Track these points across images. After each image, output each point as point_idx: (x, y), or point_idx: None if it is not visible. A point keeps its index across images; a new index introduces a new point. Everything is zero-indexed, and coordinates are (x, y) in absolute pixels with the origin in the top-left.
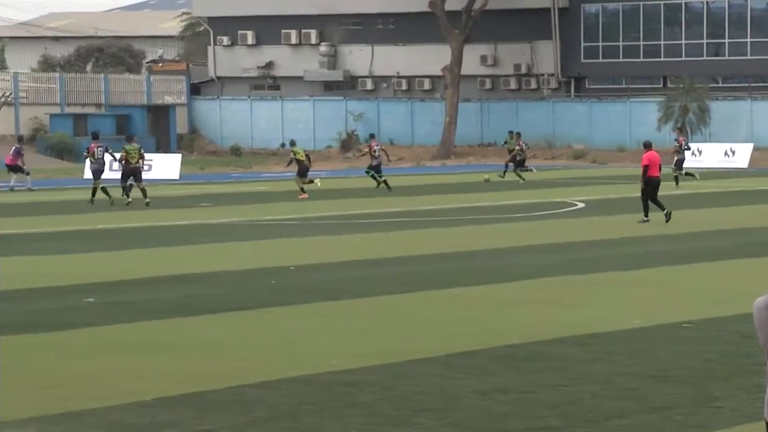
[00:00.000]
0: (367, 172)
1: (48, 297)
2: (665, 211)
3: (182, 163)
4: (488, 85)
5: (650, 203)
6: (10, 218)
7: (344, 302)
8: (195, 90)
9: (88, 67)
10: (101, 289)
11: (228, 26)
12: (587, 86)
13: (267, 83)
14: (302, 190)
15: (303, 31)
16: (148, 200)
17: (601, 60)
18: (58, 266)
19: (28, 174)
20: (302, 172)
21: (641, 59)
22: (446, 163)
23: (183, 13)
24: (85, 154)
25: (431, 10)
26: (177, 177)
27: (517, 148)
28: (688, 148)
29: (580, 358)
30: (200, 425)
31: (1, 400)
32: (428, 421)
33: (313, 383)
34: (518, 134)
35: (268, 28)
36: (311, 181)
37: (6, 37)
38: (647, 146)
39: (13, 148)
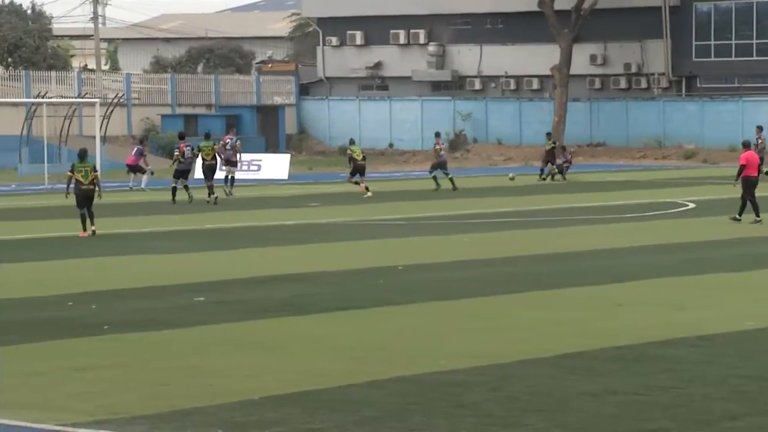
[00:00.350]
0: (430, 173)
1: (159, 296)
2: (758, 218)
3: (291, 163)
4: (597, 84)
5: (748, 202)
6: (123, 218)
7: (452, 302)
8: (304, 90)
9: (199, 68)
10: (211, 288)
11: (337, 27)
12: (698, 85)
13: (375, 83)
14: (367, 188)
15: (411, 31)
16: (209, 199)
17: (712, 59)
18: (168, 265)
19: (152, 173)
20: (354, 171)
21: (754, 57)
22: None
23: (292, 14)
24: (176, 153)
25: (540, 9)
26: (286, 177)
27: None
28: None
29: (691, 359)
30: (308, 424)
31: (113, 398)
32: (538, 422)
33: (420, 383)
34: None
35: (376, 29)
36: (357, 183)
37: (119, 39)
38: (746, 146)
39: (135, 149)
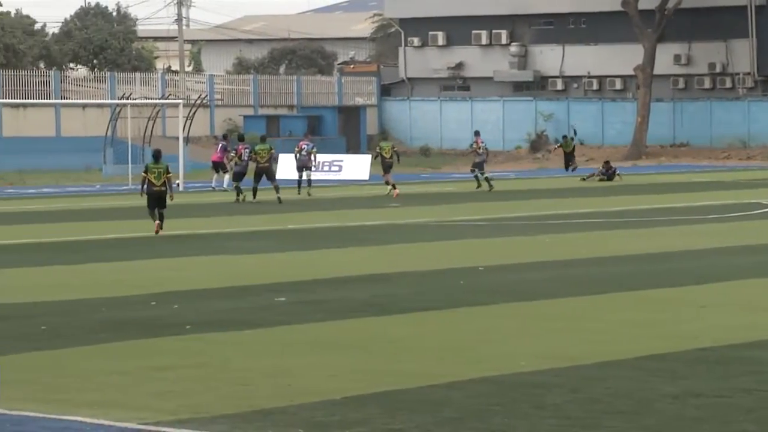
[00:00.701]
0: (473, 171)
1: (240, 296)
2: None
3: (371, 164)
4: (681, 84)
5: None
6: (206, 218)
7: (533, 303)
8: (385, 91)
9: (281, 69)
10: (292, 288)
11: (419, 27)
12: None
13: (457, 84)
14: (393, 186)
15: (494, 31)
16: (279, 196)
17: None
18: (250, 265)
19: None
20: (385, 168)
21: None
22: (637, 163)
23: (374, 15)
24: (232, 155)
25: (624, 9)
26: (366, 177)
27: (474, 147)
28: None
29: None
30: (389, 424)
31: (194, 397)
32: (619, 424)
33: (501, 384)
34: (476, 133)
35: (458, 29)
36: (387, 182)
37: (202, 41)
38: None
39: (220, 145)
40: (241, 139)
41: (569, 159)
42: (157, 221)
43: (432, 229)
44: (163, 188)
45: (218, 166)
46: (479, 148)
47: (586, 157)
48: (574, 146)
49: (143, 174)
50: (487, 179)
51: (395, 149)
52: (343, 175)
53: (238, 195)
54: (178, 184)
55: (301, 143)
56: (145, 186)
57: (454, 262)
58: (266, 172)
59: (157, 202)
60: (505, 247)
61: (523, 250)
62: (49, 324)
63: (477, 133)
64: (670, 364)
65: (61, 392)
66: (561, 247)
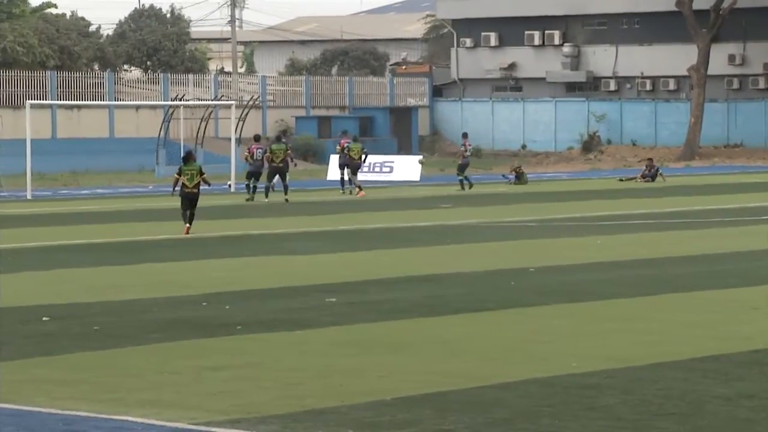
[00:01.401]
0: (458, 175)
1: (291, 296)
2: None
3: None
4: (736, 84)
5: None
6: (257, 219)
7: (585, 304)
8: (437, 92)
9: (334, 70)
10: (343, 288)
11: (471, 28)
12: None
13: (509, 84)
14: (359, 188)
15: (546, 31)
16: (287, 197)
17: None
18: (301, 266)
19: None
20: (353, 169)
21: None
22: (690, 164)
23: (427, 15)
24: (245, 154)
25: (678, 9)
26: (418, 179)
27: (462, 149)
28: None
29: None
30: (439, 425)
31: (245, 397)
32: (670, 425)
33: (552, 385)
34: (464, 135)
35: (511, 30)
36: (353, 183)
37: (255, 42)
38: None
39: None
40: (257, 139)
41: None
42: (187, 224)
43: (483, 230)
44: (195, 190)
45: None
46: (466, 150)
47: (638, 158)
48: None
49: (176, 176)
50: (466, 179)
51: (365, 150)
52: (395, 176)
53: (249, 192)
54: (209, 184)
55: (342, 141)
56: (178, 188)
57: (505, 263)
58: (280, 171)
59: (189, 203)
60: (556, 248)
61: (574, 251)
62: (102, 324)
63: (465, 135)
64: (723, 365)
65: (113, 391)
66: (612, 249)
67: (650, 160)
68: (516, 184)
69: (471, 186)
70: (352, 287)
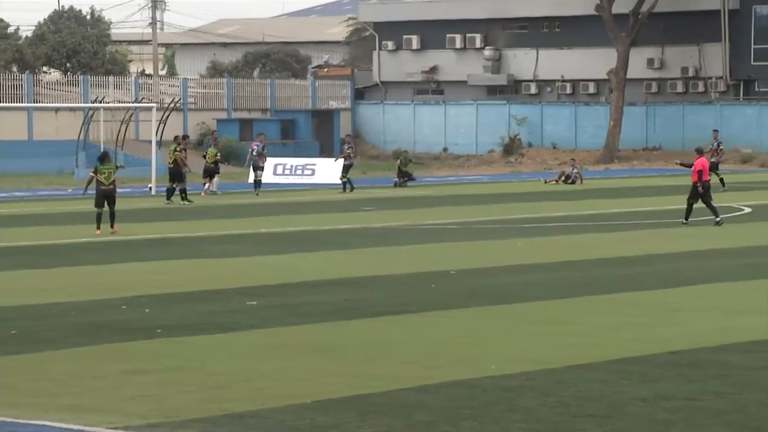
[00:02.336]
0: (341, 179)
1: (212, 299)
2: (718, 218)
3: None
4: (654, 88)
5: (698, 207)
6: (177, 222)
7: (506, 306)
8: (359, 95)
9: (255, 72)
10: (265, 292)
11: (393, 31)
12: (756, 89)
13: (431, 88)
14: (205, 190)
15: (468, 35)
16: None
17: None
18: (223, 269)
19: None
20: (205, 172)
21: None
22: (609, 167)
23: (349, 19)
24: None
25: (598, 13)
26: (339, 182)
27: (347, 150)
28: None
29: (746, 365)
30: (360, 428)
31: (165, 401)
32: (589, 427)
33: (473, 387)
34: (348, 137)
35: (432, 33)
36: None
37: (176, 44)
38: (699, 152)
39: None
40: (184, 138)
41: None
42: (98, 230)
43: (404, 232)
44: (111, 187)
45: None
46: (351, 152)
47: (558, 161)
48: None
49: (92, 174)
50: (348, 182)
51: (218, 156)
52: (316, 179)
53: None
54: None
55: (253, 144)
56: (92, 190)
57: (427, 265)
58: (176, 173)
59: (105, 200)
60: (477, 250)
61: (495, 253)
62: (21, 328)
63: (349, 137)
64: (642, 367)
65: (32, 396)
66: (534, 251)
67: (573, 160)
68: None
69: (352, 189)
70: (273, 290)
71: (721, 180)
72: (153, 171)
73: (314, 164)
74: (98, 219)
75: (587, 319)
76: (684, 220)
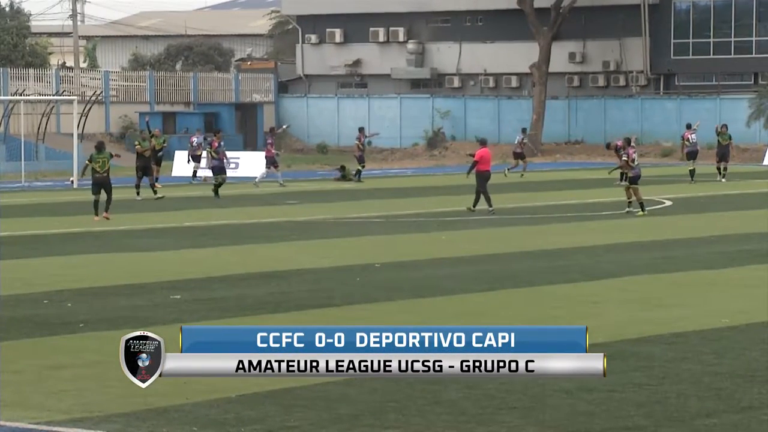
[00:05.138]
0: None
1: (136, 293)
2: (491, 208)
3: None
4: (576, 82)
5: (482, 195)
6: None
7: (429, 299)
8: (283, 88)
9: (178, 65)
10: (188, 286)
11: (316, 24)
12: (677, 83)
13: (354, 81)
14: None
15: (391, 28)
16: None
17: (691, 57)
18: (146, 263)
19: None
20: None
21: (732, 56)
22: (532, 160)
23: (272, 12)
24: (208, 149)
25: (520, 7)
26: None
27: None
28: None
29: (666, 357)
30: (285, 422)
31: (88, 396)
32: (513, 419)
33: (397, 381)
34: (215, 133)
35: (355, 26)
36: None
37: (97, 37)
38: (482, 143)
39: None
40: (216, 132)
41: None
42: (96, 217)
43: (329, 226)
44: (106, 175)
45: (272, 162)
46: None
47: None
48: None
49: (87, 162)
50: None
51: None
52: (240, 172)
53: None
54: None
55: (192, 137)
56: (89, 180)
57: (351, 259)
58: (146, 168)
59: (100, 188)
60: (402, 243)
61: (419, 247)
62: None
63: (216, 133)
64: None
65: None
66: (457, 244)
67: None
68: (338, 180)
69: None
70: (197, 284)
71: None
72: (75, 164)
73: (238, 158)
74: (95, 206)
75: (509, 312)
76: (471, 208)
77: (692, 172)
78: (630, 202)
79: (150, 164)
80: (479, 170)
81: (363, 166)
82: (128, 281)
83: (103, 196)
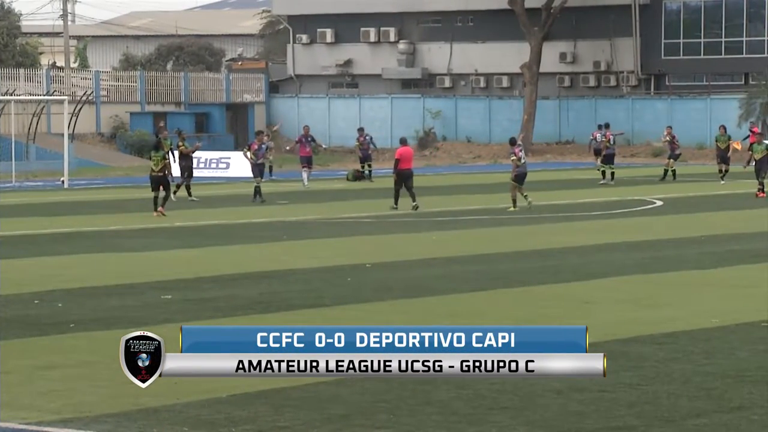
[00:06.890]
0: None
1: (126, 293)
2: (414, 203)
3: None
4: (567, 82)
5: (403, 193)
6: (92, 216)
7: (420, 300)
8: (274, 88)
9: (169, 65)
10: (179, 286)
11: (307, 24)
12: (667, 83)
13: (345, 81)
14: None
15: (382, 29)
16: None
17: (681, 57)
18: (137, 263)
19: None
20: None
21: (723, 56)
22: None
23: (263, 12)
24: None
25: (511, 7)
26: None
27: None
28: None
29: (657, 357)
30: (276, 422)
31: (78, 396)
32: (503, 419)
33: (388, 381)
34: (178, 132)
35: (346, 26)
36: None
37: (88, 36)
38: (403, 142)
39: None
40: (257, 134)
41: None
42: (155, 212)
43: (319, 226)
44: (161, 174)
45: (309, 161)
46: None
47: (473, 155)
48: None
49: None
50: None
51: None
52: (231, 173)
53: (256, 194)
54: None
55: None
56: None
57: (342, 259)
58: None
59: (157, 185)
60: (392, 244)
61: (410, 247)
62: None
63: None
64: None
65: None
66: (447, 244)
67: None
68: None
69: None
70: (188, 284)
71: (673, 171)
72: (65, 164)
73: (229, 157)
74: (155, 202)
75: (500, 312)
76: (394, 205)
77: (666, 172)
78: (515, 200)
79: (192, 164)
80: (400, 169)
81: (370, 165)
82: (119, 281)
83: (163, 192)
